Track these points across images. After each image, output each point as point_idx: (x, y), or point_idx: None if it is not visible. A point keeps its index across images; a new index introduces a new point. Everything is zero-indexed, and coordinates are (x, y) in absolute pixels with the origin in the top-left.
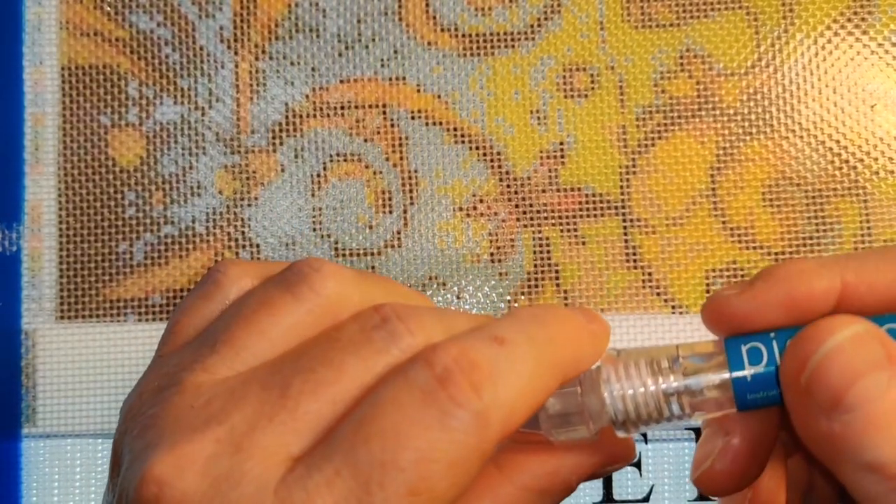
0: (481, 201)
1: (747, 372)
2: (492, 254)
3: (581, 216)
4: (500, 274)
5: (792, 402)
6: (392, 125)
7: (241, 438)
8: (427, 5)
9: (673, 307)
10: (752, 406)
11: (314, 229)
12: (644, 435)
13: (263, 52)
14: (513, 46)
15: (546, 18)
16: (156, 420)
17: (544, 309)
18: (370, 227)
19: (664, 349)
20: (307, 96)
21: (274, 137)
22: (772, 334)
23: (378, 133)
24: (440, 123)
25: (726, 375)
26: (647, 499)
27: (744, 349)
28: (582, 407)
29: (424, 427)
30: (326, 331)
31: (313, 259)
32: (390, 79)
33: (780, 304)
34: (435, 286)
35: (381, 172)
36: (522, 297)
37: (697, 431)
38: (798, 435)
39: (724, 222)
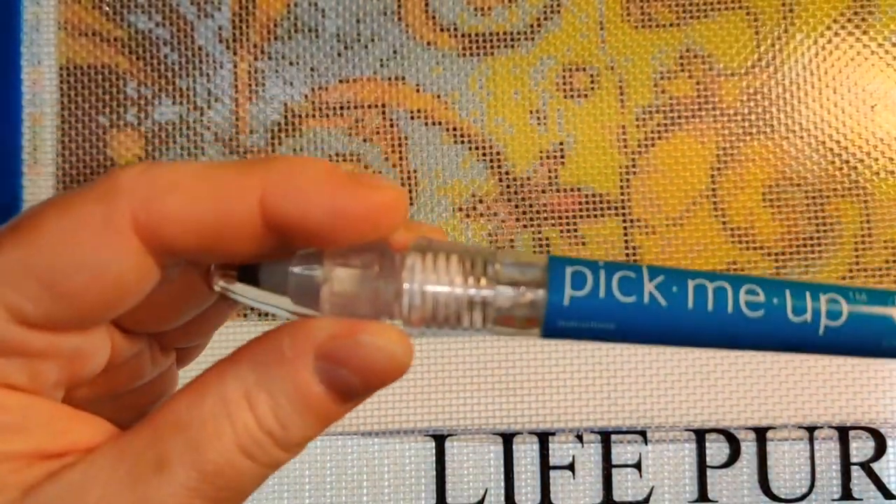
0: (481, 201)
1: (567, 295)
2: None
3: (581, 216)
4: None
5: None
6: (391, 125)
7: None
8: (426, 5)
9: None
10: (558, 334)
11: None
12: (644, 436)
13: (262, 52)
14: (512, 46)
15: (546, 18)
16: None
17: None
18: None
19: (481, 250)
20: (306, 96)
21: (273, 137)
22: (601, 262)
23: (377, 133)
24: (440, 123)
25: (542, 294)
26: (647, 500)
27: (568, 271)
28: (375, 291)
29: None
30: None
31: None
32: (390, 79)
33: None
34: None
35: (380, 172)
36: None
37: (698, 433)
38: None
39: (724, 222)
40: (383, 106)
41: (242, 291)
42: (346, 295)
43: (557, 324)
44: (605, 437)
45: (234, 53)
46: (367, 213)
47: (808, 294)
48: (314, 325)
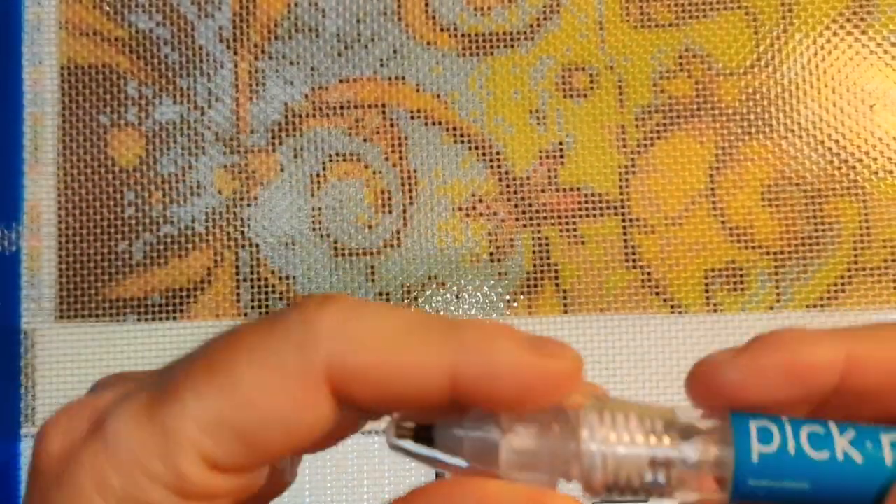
0: (480, 201)
1: (755, 451)
2: (491, 253)
3: (580, 216)
4: (500, 274)
5: None
6: (391, 125)
7: None
8: (426, 5)
9: (672, 307)
10: (748, 496)
11: (313, 229)
12: None
13: (263, 51)
14: (512, 46)
15: (545, 18)
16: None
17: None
18: (369, 227)
19: (658, 408)
20: (306, 96)
21: (273, 137)
22: (784, 417)
23: (377, 133)
24: (439, 123)
25: (729, 452)
26: (646, 499)
27: (753, 426)
28: (554, 450)
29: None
30: None
31: None
32: (390, 78)
33: (779, 373)
34: (434, 286)
35: (380, 172)
36: (521, 297)
37: None
38: None
39: (723, 222)
40: (383, 106)
41: (416, 449)
42: (526, 454)
43: (748, 483)
44: None
45: (235, 53)
46: (551, 383)
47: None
48: (499, 493)
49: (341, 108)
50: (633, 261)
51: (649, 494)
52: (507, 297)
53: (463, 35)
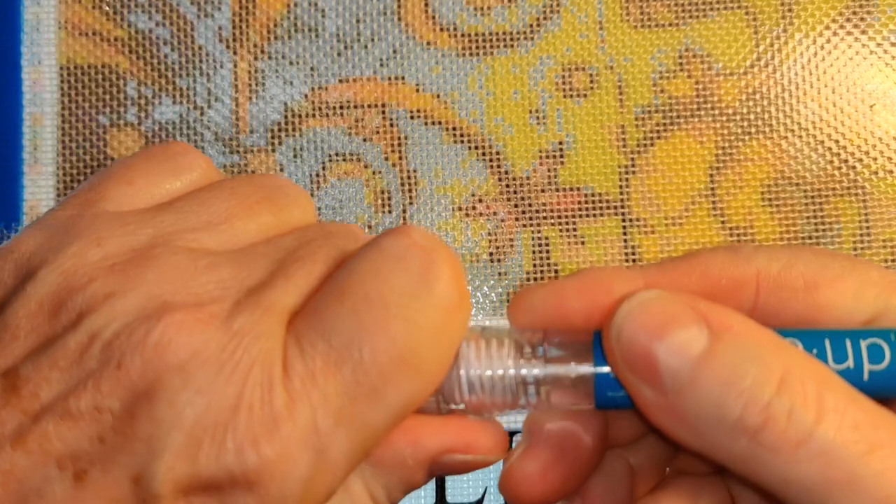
0: (480, 201)
1: (610, 367)
2: (491, 253)
3: (580, 216)
4: (500, 273)
5: (627, 387)
6: (391, 125)
7: (256, 298)
8: (426, 5)
9: None
10: (610, 405)
11: None
12: None
13: (262, 51)
14: (512, 46)
15: (545, 18)
16: (150, 275)
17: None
18: (369, 227)
19: (530, 332)
20: (306, 96)
21: (273, 137)
22: None
23: (377, 133)
24: (439, 123)
25: (589, 368)
26: None
27: None
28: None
29: (410, 295)
30: (315, 224)
31: (290, 185)
32: (389, 78)
33: (581, 304)
34: None
35: (380, 172)
36: None
37: None
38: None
39: (723, 222)
40: (383, 106)
41: None
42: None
43: (607, 395)
44: None
45: (234, 53)
46: None
47: (847, 341)
48: (430, 438)
49: (341, 108)
50: (633, 261)
51: (528, 409)
52: (507, 297)
53: (463, 35)
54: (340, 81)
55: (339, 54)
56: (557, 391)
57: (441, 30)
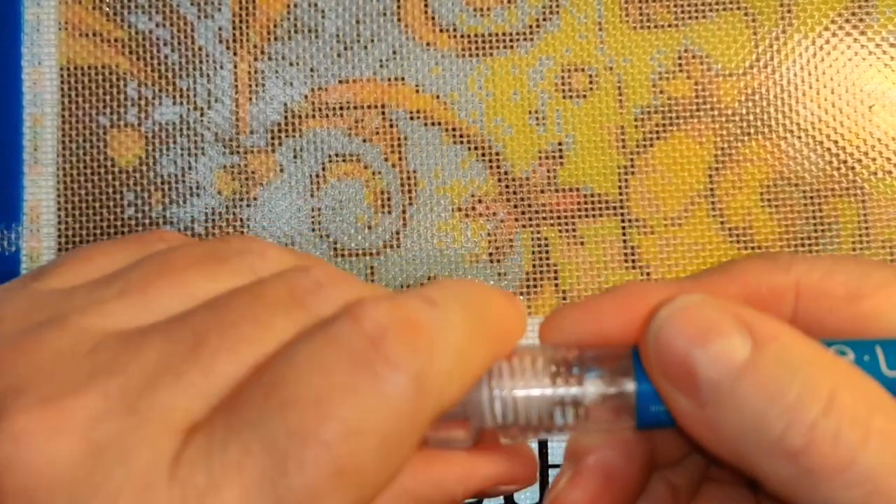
0: (480, 201)
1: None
2: (490, 254)
3: (579, 216)
4: (499, 274)
5: (663, 396)
6: (391, 125)
7: (136, 397)
8: (426, 6)
9: None
10: (653, 423)
11: (313, 229)
12: None
13: (262, 52)
14: (511, 47)
15: (544, 19)
16: (21, 360)
17: (470, 281)
18: (369, 228)
19: (564, 349)
20: (306, 97)
21: (273, 138)
22: None
23: (377, 133)
24: (439, 124)
25: (630, 384)
26: None
27: None
28: (464, 404)
29: (352, 393)
30: (248, 286)
31: (251, 240)
32: (389, 79)
33: (618, 320)
34: None
35: (379, 173)
36: (521, 297)
37: None
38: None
39: (722, 222)
40: (383, 106)
41: None
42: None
43: (650, 409)
44: None
45: (234, 54)
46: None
47: None
48: (454, 481)
49: (341, 108)
50: (633, 261)
51: (565, 432)
52: None
53: (462, 36)
54: (340, 82)
55: (338, 55)
56: (596, 410)
57: (441, 30)
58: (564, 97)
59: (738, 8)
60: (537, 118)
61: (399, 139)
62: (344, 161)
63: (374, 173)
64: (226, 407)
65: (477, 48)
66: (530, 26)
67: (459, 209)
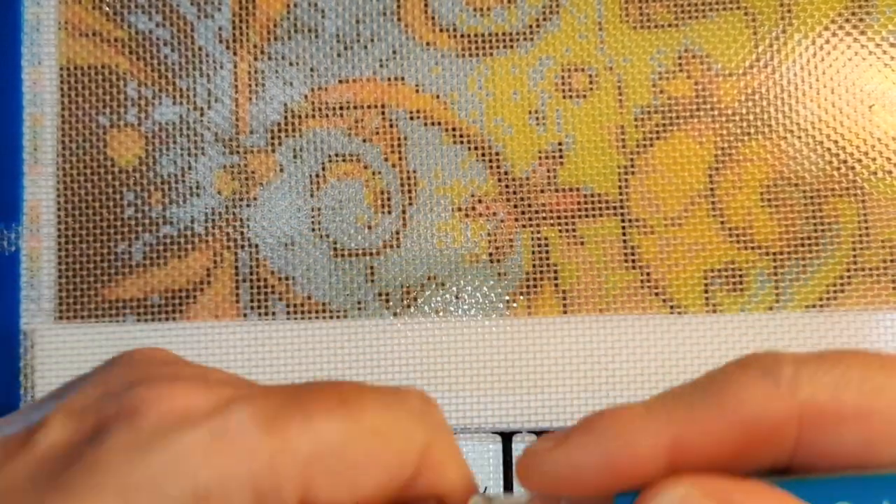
0: (480, 201)
1: None
2: (490, 254)
3: (579, 216)
4: (499, 274)
5: None
6: (391, 125)
7: None
8: (426, 6)
9: (671, 307)
10: None
11: (313, 229)
12: None
13: (262, 52)
14: (511, 47)
15: (545, 19)
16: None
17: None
18: (369, 228)
19: (541, 500)
20: (306, 96)
21: (273, 138)
22: None
23: (377, 133)
24: (439, 123)
25: None
26: None
27: None
28: None
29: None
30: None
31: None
32: (389, 79)
33: (598, 467)
34: (434, 286)
35: (379, 172)
36: (521, 297)
37: None
38: None
39: (722, 222)
40: (383, 106)
41: None
42: None
43: None
44: None
45: (234, 53)
46: None
47: None
48: None
49: (341, 108)
50: (633, 261)
51: None
52: (507, 298)
53: (462, 35)
54: (340, 82)
55: (338, 55)
56: None
57: (441, 30)
58: (564, 97)
59: (738, 8)
60: (537, 118)
61: (399, 139)
62: (344, 161)
63: (374, 173)
64: None
65: (477, 48)
66: (530, 26)
67: (459, 209)
